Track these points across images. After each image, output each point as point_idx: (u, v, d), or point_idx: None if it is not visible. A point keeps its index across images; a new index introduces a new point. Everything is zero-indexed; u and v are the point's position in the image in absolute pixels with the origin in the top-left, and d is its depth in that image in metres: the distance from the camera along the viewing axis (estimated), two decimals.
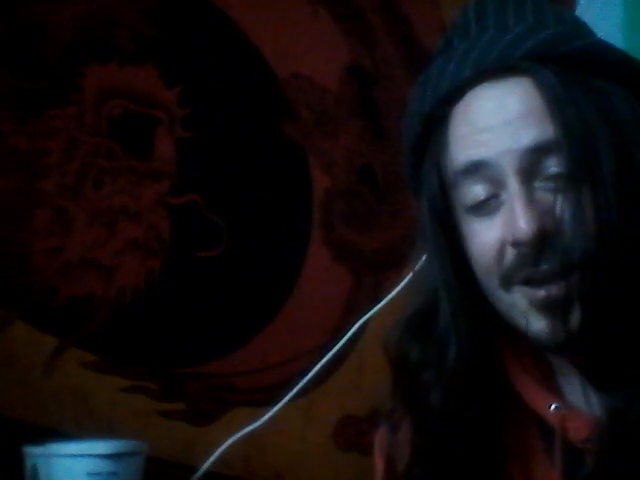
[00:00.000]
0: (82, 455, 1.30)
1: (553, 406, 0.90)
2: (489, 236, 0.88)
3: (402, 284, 1.34)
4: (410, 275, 0.99)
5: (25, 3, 1.87)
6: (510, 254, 0.87)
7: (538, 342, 0.88)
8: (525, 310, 0.87)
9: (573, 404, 0.90)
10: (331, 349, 1.59)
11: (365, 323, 1.59)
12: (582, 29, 0.95)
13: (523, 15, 0.92)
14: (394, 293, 1.50)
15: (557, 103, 0.86)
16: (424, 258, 0.96)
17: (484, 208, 0.88)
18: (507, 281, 0.88)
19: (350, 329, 1.59)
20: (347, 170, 2.06)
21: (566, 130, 0.85)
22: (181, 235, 1.94)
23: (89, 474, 1.29)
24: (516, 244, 0.86)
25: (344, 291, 2.03)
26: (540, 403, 0.91)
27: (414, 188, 0.97)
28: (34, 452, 1.37)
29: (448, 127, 0.91)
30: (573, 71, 0.88)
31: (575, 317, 0.85)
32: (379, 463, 1.00)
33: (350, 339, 1.61)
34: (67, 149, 1.88)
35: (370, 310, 1.58)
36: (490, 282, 0.89)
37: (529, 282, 0.86)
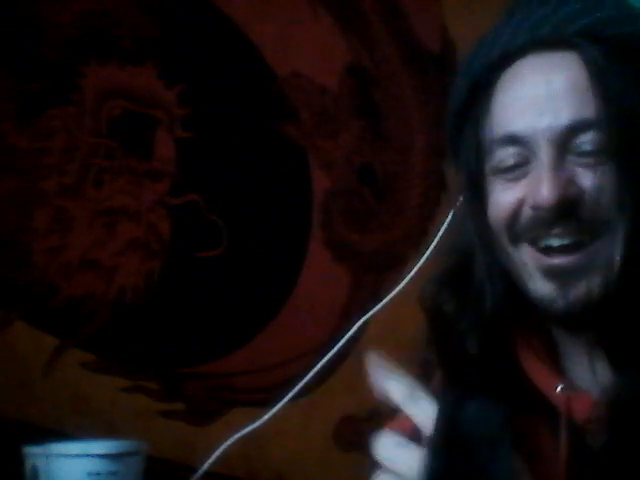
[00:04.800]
0: (82, 455, 1.30)
1: (559, 387, 0.91)
2: (509, 196, 0.91)
3: (402, 284, 1.34)
4: (411, 273, 1.01)
5: (25, 3, 1.87)
6: (526, 215, 0.90)
7: (540, 306, 0.90)
8: (532, 272, 0.90)
9: (579, 385, 0.91)
10: (331, 349, 1.59)
11: (365, 323, 1.59)
12: (630, 16, 0.96)
13: None
14: (394, 293, 1.50)
15: (602, 80, 0.88)
16: (453, 220, 0.98)
17: (511, 173, 0.91)
18: (517, 237, 0.91)
19: (350, 329, 1.59)
20: (347, 170, 2.06)
21: (608, 107, 0.88)
22: (181, 235, 1.94)
23: (89, 474, 1.29)
24: (535, 208, 0.88)
25: (344, 291, 2.03)
26: (546, 384, 0.92)
27: (453, 150, 0.99)
28: (34, 452, 1.37)
29: (493, 94, 0.93)
30: (620, 54, 0.90)
31: (579, 288, 0.87)
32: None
33: (350, 339, 1.60)
34: (67, 149, 1.88)
35: (370, 310, 1.58)
36: (502, 239, 0.92)
37: (537, 243, 0.89)
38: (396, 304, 1.47)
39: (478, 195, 0.94)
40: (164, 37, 1.94)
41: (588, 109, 0.88)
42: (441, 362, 0.96)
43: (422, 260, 0.99)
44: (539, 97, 0.90)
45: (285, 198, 2.02)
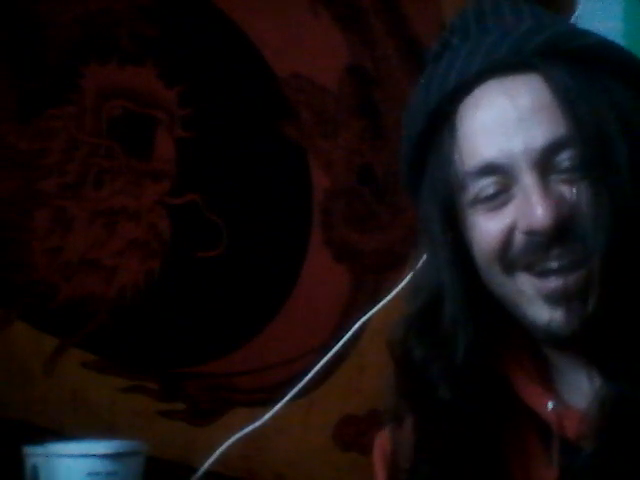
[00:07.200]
0: (82, 455, 1.30)
1: (550, 404, 0.90)
2: (496, 225, 0.89)
3: (402, 284, 1.34)
4: (410, 275, 1.00)
5: (26, 3, 1.87)
6: (519, 242, 0.88)
7: (542, 332, 0.89)
8: (532, 299, 0.88)
9: (569, 402, 0.91)
10: (331, 349, 1.59)
11: (365, 323, 1.59)
12: (582, 30, 0.95)
13: (521, 19, 0.93)
14: (394, 293, 1.50)
15: (569, 98, 0.87)
16: (424, 257, 0.97)
17: (492, 201, 0.89)
18: (511, 265, 0.88)
19: (350, 329, 1.59)
20: (347, 170, 2.06)
21: (580, 125, 0.86)
22: (181, 235, 1.94)
23: (89, 474, 1.29)
24: (530, 233, 0.86)
25: (344, 291, 2.03)
26: (537, 401, 0.91)
27: (412, 185, 0.97)
28: (34, 452, 1.37)
29: (456, 124, 0.91)
30: (580, 68, 0.89)
31: (583, 307, 0.86)
32: (378, 468, 1.00)
33: (350, 339, 1.60)
34: (67, 149, 1.88)
35: (370, 310, 1.58)
36: (492, 269, 0.90)
37: (533, 268, 0.87)
38: (396, 304, 1.47)
39: (454, 230, 0.92)
40: (164, 37, 1.94)
41: (560, 127, 0.86)
42: (412, 409, 0.95)
43: (421, 261, 0.98)
44: (508, 121, 0.87)
45: (285, 198, 2.02)
